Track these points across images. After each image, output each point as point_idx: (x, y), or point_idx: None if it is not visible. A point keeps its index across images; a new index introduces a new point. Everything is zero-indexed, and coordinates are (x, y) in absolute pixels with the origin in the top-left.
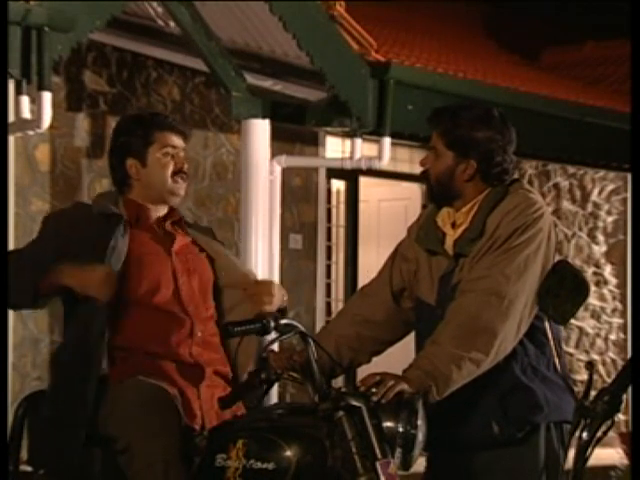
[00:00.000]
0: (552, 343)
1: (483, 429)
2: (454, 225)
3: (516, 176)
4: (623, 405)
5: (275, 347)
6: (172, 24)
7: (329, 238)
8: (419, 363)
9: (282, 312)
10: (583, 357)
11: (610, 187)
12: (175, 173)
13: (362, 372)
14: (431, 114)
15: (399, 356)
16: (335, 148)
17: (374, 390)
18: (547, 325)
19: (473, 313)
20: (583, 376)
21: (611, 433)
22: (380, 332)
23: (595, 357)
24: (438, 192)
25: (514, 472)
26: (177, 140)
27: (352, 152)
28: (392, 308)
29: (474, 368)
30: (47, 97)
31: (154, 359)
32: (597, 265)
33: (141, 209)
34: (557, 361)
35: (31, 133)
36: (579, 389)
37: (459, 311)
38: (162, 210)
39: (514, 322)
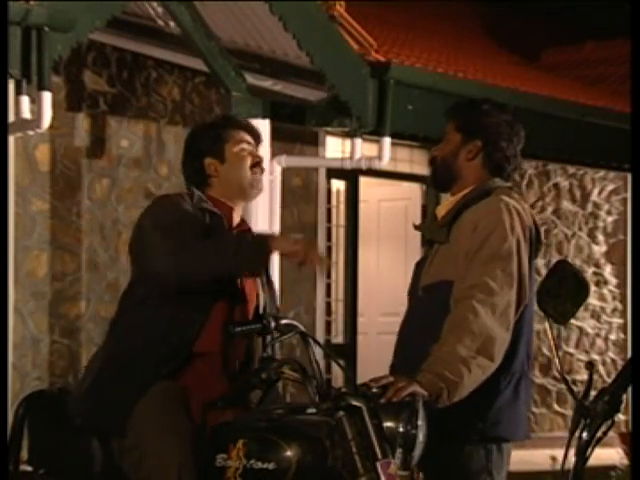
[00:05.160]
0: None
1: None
2: None
3: (515, 176)
4: (623, 405)
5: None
6: (172, 24)
7: (329, 238)
8: (431, 367)
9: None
10: (583, 357)
11: (610, 187)
12: (253, 166)
13: (362, 373)
14: (448, 108)
15: None
16: (335, 148)
17: (386, 387)
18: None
19: (470, 320)
20: (583, 376)
21: (611, 433)
22: None
23: (595, 357)
24: (440, 174)
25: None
26: (250, 138)
27: (352, 152)
28: None
29: (481, 373)
30: (47, 97)
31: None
32: (597, 265)
33: (227, 209)
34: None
35: (31, 133)
36: (579, 389)
37: (459, 320)
38: (238, 213)
39: (509, 328)
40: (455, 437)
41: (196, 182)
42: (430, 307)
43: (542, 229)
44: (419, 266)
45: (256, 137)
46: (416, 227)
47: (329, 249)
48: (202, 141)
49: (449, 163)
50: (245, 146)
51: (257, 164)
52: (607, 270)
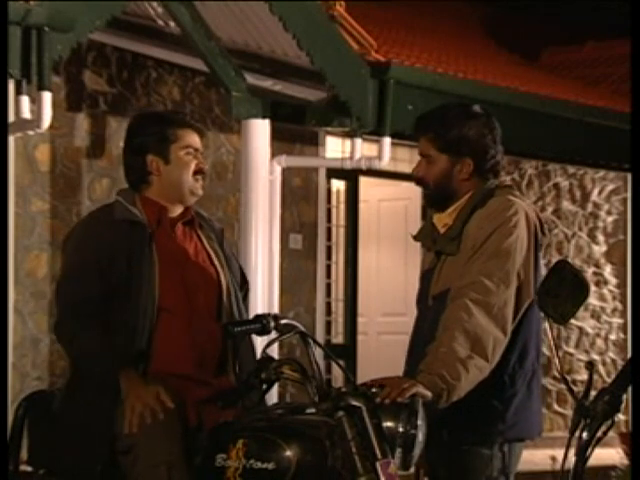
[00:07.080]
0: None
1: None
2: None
3: (515, 176)
4: (623, 405)
5: (275, 347)
6: (172, 24)
7: (329, 238)
8: (430, 368)
9: None
10: (583, 357)
11: (610, 187)
12: (196, 172)
13: (362, 373)
14: (416, 122)
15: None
16: (335, 148)
17: (387, 389)
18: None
19: (464, 320)
20: (583, 376)
21: (611, 433)
22: None
23: (595, 357)
24: (437, 196)
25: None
26: (197, 139)
27: (352, 152)
28: None
29: (478, 373)
30: (47, 97)
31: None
32: (597, 265)
33: (162, 211)
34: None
35: (31, 133)
36: (579, 389)
37: (452, 319)
38: (178, 210)
39: (505, 328)
40: (477, 440)
41: (135, 178)
42: (440, 315)
43: (545, 224)
44: (427, 275)
45: (202, 136)
46: (416, 238)
47: (329, 249)
48: (147, 136)
49: (444, 185)
50: (191, 150)
51: (200, 171)
52: (607, 270)
